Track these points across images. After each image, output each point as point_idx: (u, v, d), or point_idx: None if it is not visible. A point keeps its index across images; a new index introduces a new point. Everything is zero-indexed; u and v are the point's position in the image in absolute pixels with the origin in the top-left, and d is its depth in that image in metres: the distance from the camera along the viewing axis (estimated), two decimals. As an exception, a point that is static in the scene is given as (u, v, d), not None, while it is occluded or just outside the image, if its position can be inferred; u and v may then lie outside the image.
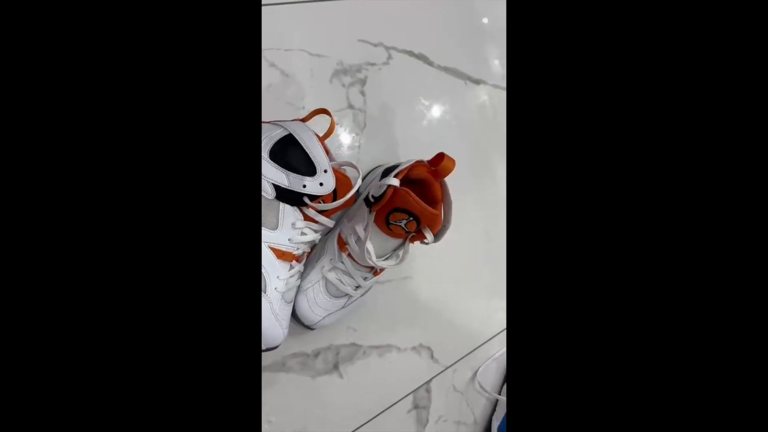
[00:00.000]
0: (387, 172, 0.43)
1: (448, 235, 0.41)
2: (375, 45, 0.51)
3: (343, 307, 0.44)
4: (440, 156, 0.40)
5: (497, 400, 0.57)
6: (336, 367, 0.47)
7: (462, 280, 0.57)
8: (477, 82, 0.60)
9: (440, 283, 0.55)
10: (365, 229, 0.40)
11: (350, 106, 0.49)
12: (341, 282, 0.43)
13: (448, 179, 0.41)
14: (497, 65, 0.62)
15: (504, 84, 0.62)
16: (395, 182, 0.38)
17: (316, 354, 0.47)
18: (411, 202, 0.37)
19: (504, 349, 0.59)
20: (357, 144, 0.49)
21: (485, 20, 0.61)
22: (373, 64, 0.51)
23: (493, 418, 0.56)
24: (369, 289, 0.46)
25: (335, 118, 0.40)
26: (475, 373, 0.56)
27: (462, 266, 0.57)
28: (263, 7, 0.45)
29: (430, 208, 0.38)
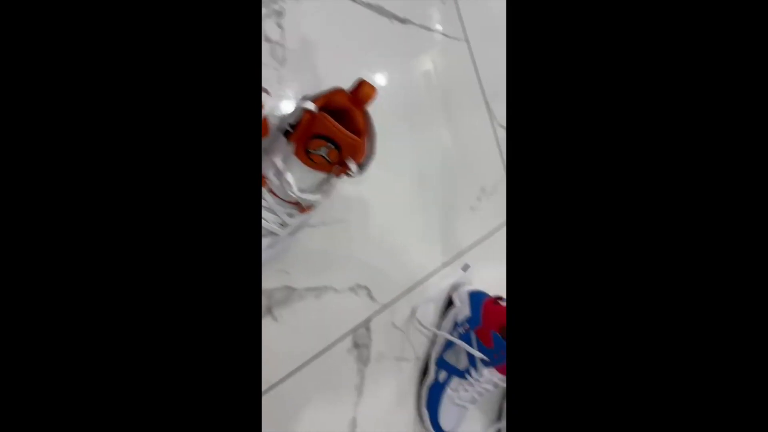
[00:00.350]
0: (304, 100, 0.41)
1: (382, 177, 0.40)
2: (291, -25, 0.48)
3: (269, 247, 0.43)
4: (360, 82, 0.39)
5: (435, 336, 0.59)
6: (270, 310, 0.46)
7: (397, 223, 0.57)
8: (403, 21, 0.59)
9: (375, 225, 0.55)
10: (284, 161, 0.39)
11: (267, 39, 0.46)
12: (265, 220, 0.41)
13: (377, 117, 0.40)
14: (421, 14, 0.61)
15: (430, 25, 0.62)
16: (311, 106, 0.37)
17: (248, 299, 0.45)
18: (329, 126, 0.36)
19: (438, 289, 0.61)
20: (276, 79, 0.47)
21: None
22: (289, -4, 0.48)
23: (432, 351, 0.59)
24: (298, 228, 0.45)
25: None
26: (414, 311, 0.58)
27: (397, 209, 0.57)
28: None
29: (350, 134, 0.37)
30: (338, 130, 0.36)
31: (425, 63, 0.61)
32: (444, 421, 0.56)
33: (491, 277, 0.63)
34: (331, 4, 0.51)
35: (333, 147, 0.38)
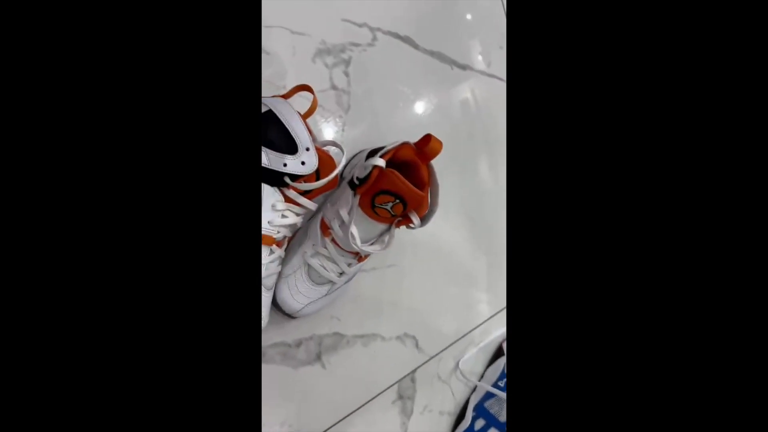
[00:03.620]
0: (372, 154, 0.41)
1: (433, 223, 0.40)
2: (359, 25, 0.50)
3: (326, 295, 0.43)
4: (427, 137, 0.39)
5: (476, 386, 0.57)
6: (319, 357, 0.46)
7: (447, 269, 0.56)
8: (463, 67, 0.59)
9: (425, 271, 0.54)
10: (349, 213, 0.38)
11: (333, 87, 0.47)
12: (324, 268, 0.41)
13: (435, 161, 0.40)
14: (480, 59, 0.61)
15: (490, 71, 0.61)
16: (381, 162, 0.37)
17: (298, 344, 0.45)
18: (398, 183, 0.36)
19: (486, 339, 0.59)
20: (341, 126, 0.48)
21: (468, 16, 0.60)
22: (357, 45, 0.49)
23: (471, 398, 0.56)
24: (353, 276, 0.44)
25: (317, 99, 0.38)
26: (458, 362, 0.56)
27: (446, 254, 0.56)
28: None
29: (417, 190, 0.37)
30: (406, 186, 0.36)
31: (482, 108, 0.61)
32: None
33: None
34: (395, 51, 0.52)
35: (399, 202, 0.37)
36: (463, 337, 0.57)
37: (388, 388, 0.50)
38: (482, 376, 0.58)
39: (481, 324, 0.59)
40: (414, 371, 0.52)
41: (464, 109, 0.59)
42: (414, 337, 0.52)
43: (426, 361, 0.53)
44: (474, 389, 0.57)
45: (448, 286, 0.56)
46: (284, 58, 0.45)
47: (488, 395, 0.55)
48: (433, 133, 0.39)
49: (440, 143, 0.39)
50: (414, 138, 0.41)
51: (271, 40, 0.44)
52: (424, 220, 0.40)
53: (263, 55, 0.43)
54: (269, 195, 0.36)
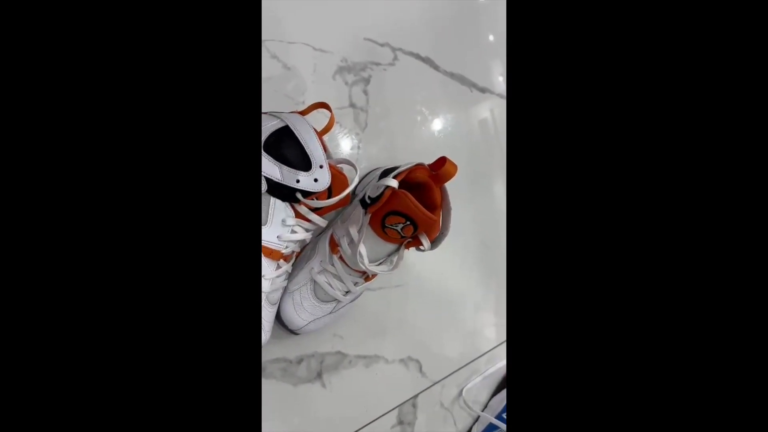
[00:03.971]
0: (386, 174, 0.41)
1: (444, 245, 0.39)
2: (381, 45, 0.50)
3: (330, 313, 0.42)
4: (442, 160, 0.39)
5: (479, 416, 0.55)
6: (319, 375, 0.45)
7: (455, 293, 0.55)
8: (483, 90, 0.59)
9: (433, 294, 0.53)
10: (359, 231, 0.38)
11: (352, 105, 0.48)
12: (330, 286, 0.41)
13: (448, 183, 0.39)
14: (500, 81, 0.61)
15: (509, 95, 0.61)
16: (394, 183, 0.36)
17: (300, 360, 0.44)
18: (409, 205, 0.36)
19: (492, 368, 0.57)
20: (356, 144, 0.48)
21: (491, 37, 0.60)
22: (378, 64, 0.50)
23: (473, 428, 0.54)
24: (359, 295, 0.44)
25: (335, 116, 0.39)
26: (461, 390, 0.54)
27: (456, 278, 0.55)
28: (268, -3, 0.43)
29: (428, 213, 0.36)
30: (418, 209, 0.36)
31: (500, 132, 0.60)
32: None
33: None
34: (415, 71, 0.52)
35: (410, 224, 0.37)
36: (468, 364, 0.55)
37: (389, 412, 0.48)
38: (486, 406, 0.56)
39: (487, 351, 0.57)
40: (416, 396, 0.50)
41: (482, 132, 0.59)
42: (418, 361, 0.51)
43: (429, 387, 0.51)
44: (477, 419, 0.55)
45: (456, 310, 0.55)
46: (305, 74, 0.45)
47: (491, 427, 0.53)
48: (448, 156, 0.38)
49: (455, 166, 0.39)
50: (429, 159, 0.40)
51: (293, 55, 0.44)
52: (434, 243, 0.39)
53: (284, 71, 0.44)
54: (280, 210, 0.36)
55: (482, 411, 0.54)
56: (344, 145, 0.47)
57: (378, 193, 0.36)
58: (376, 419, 0.48)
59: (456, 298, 0.55)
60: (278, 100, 0.44)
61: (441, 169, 0.38)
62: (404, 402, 0.50)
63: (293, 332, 0.42)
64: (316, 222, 0.38)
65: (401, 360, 0.50)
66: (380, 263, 0.40)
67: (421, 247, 0.39)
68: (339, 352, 0.46)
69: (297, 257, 0.42)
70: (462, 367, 0.54)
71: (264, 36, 0.43)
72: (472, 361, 0.55)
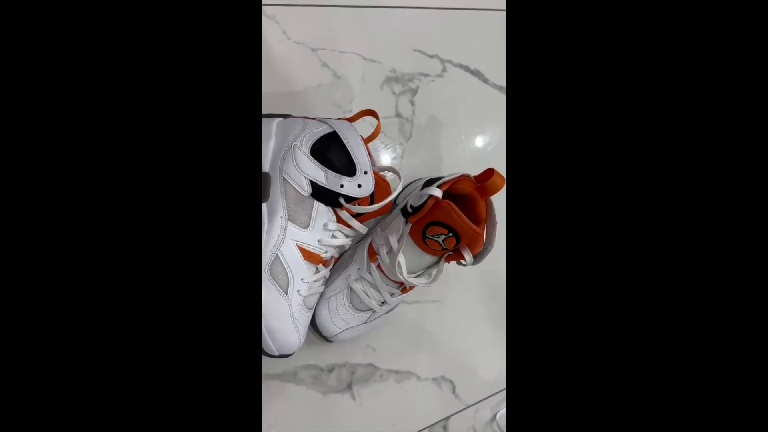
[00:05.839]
0: (429, 183, 0.40)
1: (485, 261, 0.37)
2: (430, 56, 0.50)
3: (364, 323, 0.41)
4: (489, 171, 0.37)
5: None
6: (350, 386, 0.44)
7: (494, 312, 0.52)
8: (532, 105, 0.57)
9: (470, 311, 0.51)
10: (399, 240, 0.37)
11: (398, 115, 0.47)
12: (366, 294, 0.40)
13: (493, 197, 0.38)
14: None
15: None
16: (437, 193, 0.35)
17: (331, 369, 0.44)
18: (452, 216, 0.34)
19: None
20: (400, 154, 0.47)
21: None
22: (426, 75, 0.49)
23: None
24: (394, 307, 0.43)
25: (381, 124, 0.38)
26: (495, 415, 0.51)
27: (496, 297, 0.53)
28: (321, 8, 0.44)
29: (473, 225, 0.35)
30: (462, 220, 0.34)
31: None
32: None
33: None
34: (463, 83, 0.52)
35: (452, 235, 0.36)
36: (505, 389, 0.52)
37: (418, 432, 0.46)
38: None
39: (526, 378, 0.54)
40: (447, 418, 0.48)
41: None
42: (451, 382, 0.49)
43: (462, 410, 0.49)
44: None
45: (494, 330, 0.52)
46: (354, 83, 0.46)
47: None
48: (500, 173, 0.37)
49: (503, 179, 0.37)
50: (473, 173, 0.39)
51: (344, 65, 0.45)
52: (477, 258, 0.37)
53: (334, 79, 0.45)
54: (323, 214, 0.36)
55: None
56: (388, 153, 0.47)
57: (421, 203, 0.36)
58: (405, 439, 0.46)
59: (494, 317, 0.52)
60: (327, 107, 0.45)
61: (488, 181, 0.37)
62: (435, 423, 0.47)
63: (326, 339, 0.42)
64: (357, 228, 0.38)
65: (434, 379, 0.48)
66: (419, 275, 0.39)
67: (463, 261, 0.37)
68: (371, 365, 0.45)
69: (335, 263, 0.42)
70: (498, 392, 0.51)
71: (317, 45, 0.44)
72: (509, 387, 0.52)
